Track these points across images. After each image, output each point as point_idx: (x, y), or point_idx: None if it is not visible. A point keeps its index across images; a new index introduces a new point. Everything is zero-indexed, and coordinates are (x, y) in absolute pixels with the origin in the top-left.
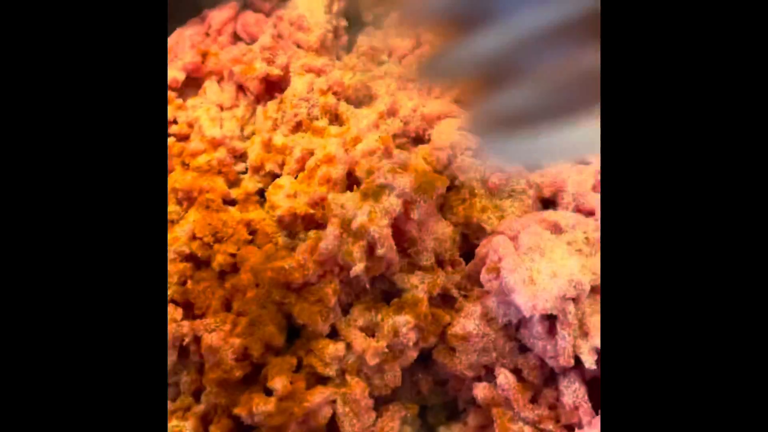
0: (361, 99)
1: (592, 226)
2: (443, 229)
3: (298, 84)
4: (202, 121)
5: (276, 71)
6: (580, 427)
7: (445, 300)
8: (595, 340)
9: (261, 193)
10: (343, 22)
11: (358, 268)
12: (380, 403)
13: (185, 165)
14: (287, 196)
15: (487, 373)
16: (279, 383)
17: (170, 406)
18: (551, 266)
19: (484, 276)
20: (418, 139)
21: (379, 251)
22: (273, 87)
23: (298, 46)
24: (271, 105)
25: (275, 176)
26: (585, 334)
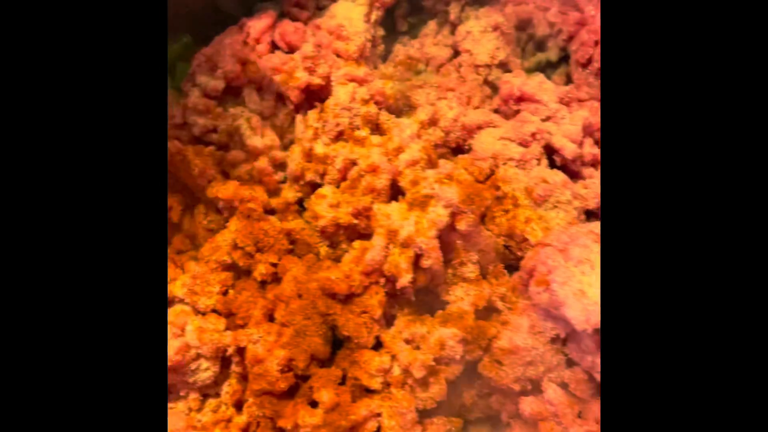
0: (401, 108)
1: None
2: (486, 241)
3: (340, 93)
4: (243, 130)
5: (317, 80)
6: None
7: (488, 312)
8: None
9: (299, 202)
10: (381, 32)
11: (405, 279)
12: (423, 416)
13: (225, 174)
14: (330, 205)
15: (533, 387)
16: (326, 395)
17: (211, 417)
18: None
19: (533, 288)
20: (458, 149)
21: (426, 263)
22: (313, 96)
23: (337, 56)
24: (312, 114)
25: (314, 186)
26: None
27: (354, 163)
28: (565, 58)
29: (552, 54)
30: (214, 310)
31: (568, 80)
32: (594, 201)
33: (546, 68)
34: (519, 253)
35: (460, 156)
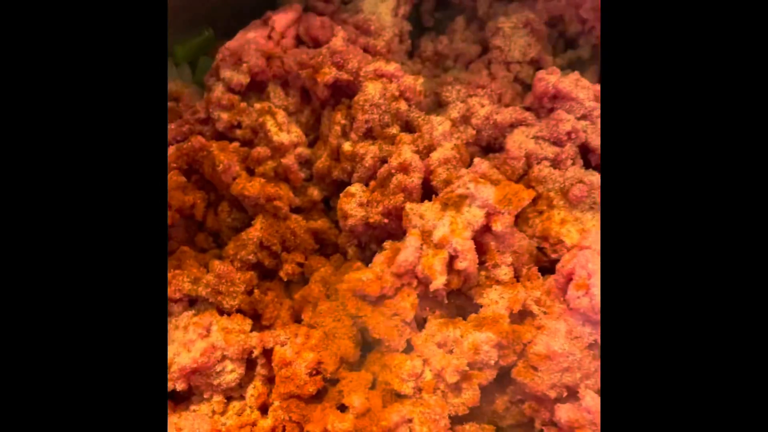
0: (429, 105)
1: None
2: (520, 242)
3: (370, 89)
4: (269, 126)
5: (346, 76)
6: None
7: (522, 316)
8: None
9: (325, 201)
10: (408, 27)
11: (439, 281)
12: (455, 422)
13: (249, 171)
14: (360, 204)
15: (569, 394)
16: (356, 400)
17: (236, 420)
18: None
19: (572, 293)
20: (489, 148)
21: (461, 264)
22: (340, 92)
23: (365, 50)
24: (340, 111)
25: (340, 184)
26: None
27: (383, 161)
28: (597, 55)
29: (584, 51)
30: (239, 311)
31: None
32: None
33: (577, 66)
34: (552, 256)
35: (492, 155)
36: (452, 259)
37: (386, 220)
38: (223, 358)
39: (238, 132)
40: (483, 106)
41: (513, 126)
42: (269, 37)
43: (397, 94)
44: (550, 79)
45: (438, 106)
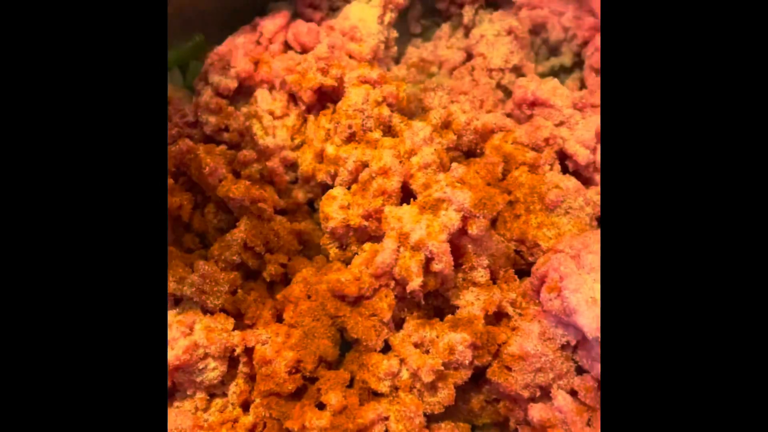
0: (413, 111)
1: None
2: (497, 245)
3: (353, 95)
4: (255, 129)
5: (330, 81)
6: None
7: (498, 318)
8: None
9: (310, 203)
10: (394, 33)
11: (416, 283)
12: (431, 421)
13: (236, 173)
14: (341, 207)
15: (542, 394)
16: (333, 398)
17: (218, 416)
18: None
19: (544, 295)
20: (470, 153)
21: (437, 266)
22: (325, 97)
23: (351, 57)
24: (324, 115)
25: (325, 187)
26: None
27: (365, 165)
28: (579, 63)
29: (566, 59)
30: (222, 310)
31: (582, 85)
32: None
33: (559, 73)
34: (530, 259)
35: (472, 159)
36: (428, 261)
37: (366, 223)
38: (206, 355)
39: (226, 135)
40: (464, 112)
41: (493, 132)
42: (258, 43)
43: (380, 99)
44: (529, 86)
45: (421, 111)
